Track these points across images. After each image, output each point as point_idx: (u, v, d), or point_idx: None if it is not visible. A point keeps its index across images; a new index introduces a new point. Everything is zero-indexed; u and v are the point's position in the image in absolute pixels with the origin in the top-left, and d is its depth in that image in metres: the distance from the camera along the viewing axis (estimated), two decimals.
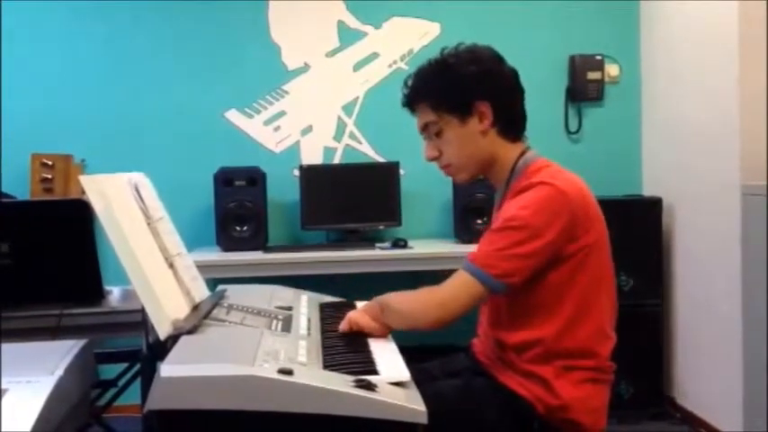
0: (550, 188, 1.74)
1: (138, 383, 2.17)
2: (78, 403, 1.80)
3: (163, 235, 1.84)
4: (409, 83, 1.92)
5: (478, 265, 1.73)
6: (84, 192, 1.62)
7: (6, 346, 1.87)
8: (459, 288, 1.74)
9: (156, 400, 1.31)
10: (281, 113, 4.10)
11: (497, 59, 1.89)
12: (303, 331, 1.76)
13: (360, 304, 2.02)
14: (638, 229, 3.78)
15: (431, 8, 4.12)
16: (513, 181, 1.86)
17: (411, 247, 3.73)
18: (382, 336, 1.80)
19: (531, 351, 1.78)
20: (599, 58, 4.12)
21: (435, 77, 1.87)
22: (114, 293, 2.52)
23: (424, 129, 1.91)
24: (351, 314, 1.84)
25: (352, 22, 4.12)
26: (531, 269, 1.72)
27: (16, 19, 3.94)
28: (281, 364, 1.40)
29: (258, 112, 4.09)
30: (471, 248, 1.84)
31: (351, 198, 3.96)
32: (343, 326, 1.81)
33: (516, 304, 1.81)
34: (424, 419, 1.36)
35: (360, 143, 4.14)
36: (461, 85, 1.84)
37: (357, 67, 4.13)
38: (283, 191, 4.01)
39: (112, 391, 2.54)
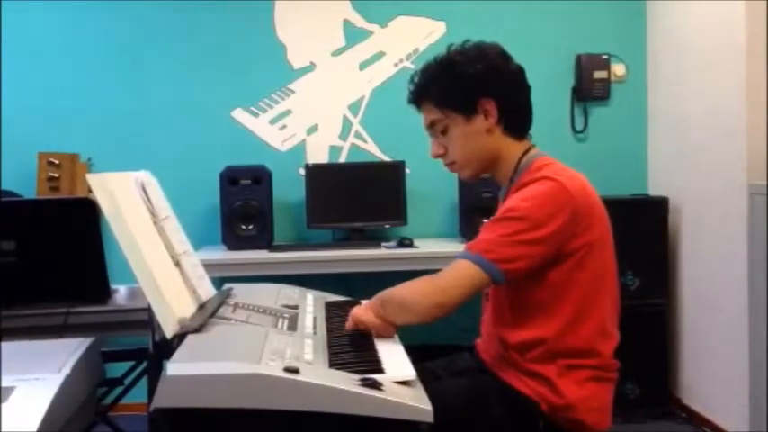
0: (554, 183, 1.74)
1: (144, 382, 2.17)
2: (85, 401, 1.81)
3: (169, 233, 1.84)
4: (415, 80, 1.92)
5: (477, 251, 1.72)
6: (90, 190, 1.63)
7: (14, 344, 1.88)
8: (458, 274, 1.72)
9: (163, 399, 1.32)
10: (287, 112, 4.11)
11: (504, 57, 1.88)
12: (309, 330, 1.76)
13: (365, 302, 2.02)
14: (644, 228, 3.77)
15: (436, 7, 4.11)
16: (517, 178, 1.86)
17: (417, 247, 3.73)
18: (386, 332, 1.79)
19: (534, 350, 1.78)
20: (605, 57, 4.12)
21: (441, 75, 1.87)
22: (121, 292, 2.53)
23: (430, 126, 1.91)
24: (354, 311, 1.83)
25: (358, 21, 4.12)
26: (529, 259, 1.71)
27: (23, 17, 3.95)
28: (287, 362, 1.40)
29: (264, 110, 4.09)
30: None
31: (356, 197, 3.96)
32: (348, 324, 1.82)
33: (517, 303, 1.81)
34: (429, 418, 1.36)
35: (365, 142, 4.14)
36: (466, 83, 1.84)
37: (363, 66, 4.13)
38: (289, 190, 4.01)
39: (119, 390, 2.55)
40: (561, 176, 1.75)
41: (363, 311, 1.82)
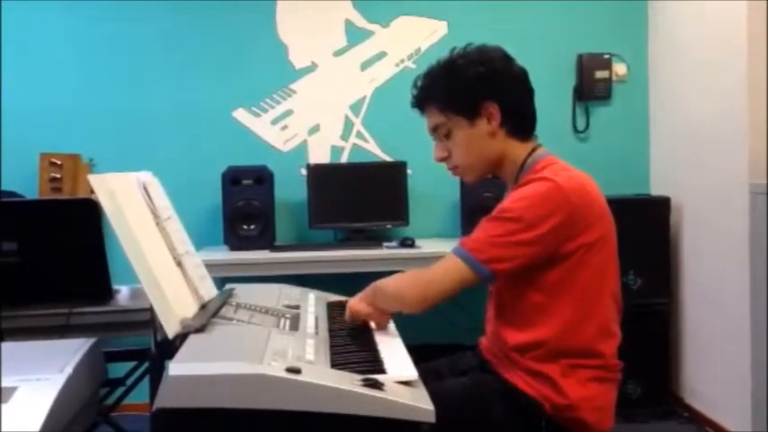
0: (550, 183, 1.74)
1: (146, 382, 2.18)
2: (87, 401, 1.81)
3: (171, 234, 1.84)
4: (419, 84, 1.92)
5: (467, 249, 1.76)
6: (92, 191, 1.63)
7: (16, 345, 1.89)
8: (446, 269, 1.78)
9: (165, 399, 1.31)
10: (289, 112, 4.11)
11: (506, 59, 1.89)
12: (311, 330, 1.76)
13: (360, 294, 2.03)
14: (646, 228, 3.77)
15: (438, 7, 4.11)
16: (522, 177, 1.86)
17: (418, 247, 3.73)
18: (381, 319, 1.86)
19: (534, 351, 1.78)
20: (607, 56, 4.12)
21: (444, 78, 1.87)
22: (123, 292, 2.54)
23: (434, 130, 1.92)
24: (350, 302, 1.89)
25: (360, 21, 4.12)
26: (520, 259, 1.73)
27: (24, 18, 3.95)
28: (288, 362, 1.40)
29: (265, 111, 4.09)
30: None
31: (358, 197, 3.96)
32: (346, 316, 1.87)
33: (517, 304, 1.82)
34: (431, 418, 1.36)
35: (367, 142, 4.14)
36: (469, 87, 1.84)
37: (364, 66, 4.13)
38: (291, 190, 4.01)
39: (121, 390, 2.56)
40: (558, 177, 1.75)
41: (357, 302, 1.88)
